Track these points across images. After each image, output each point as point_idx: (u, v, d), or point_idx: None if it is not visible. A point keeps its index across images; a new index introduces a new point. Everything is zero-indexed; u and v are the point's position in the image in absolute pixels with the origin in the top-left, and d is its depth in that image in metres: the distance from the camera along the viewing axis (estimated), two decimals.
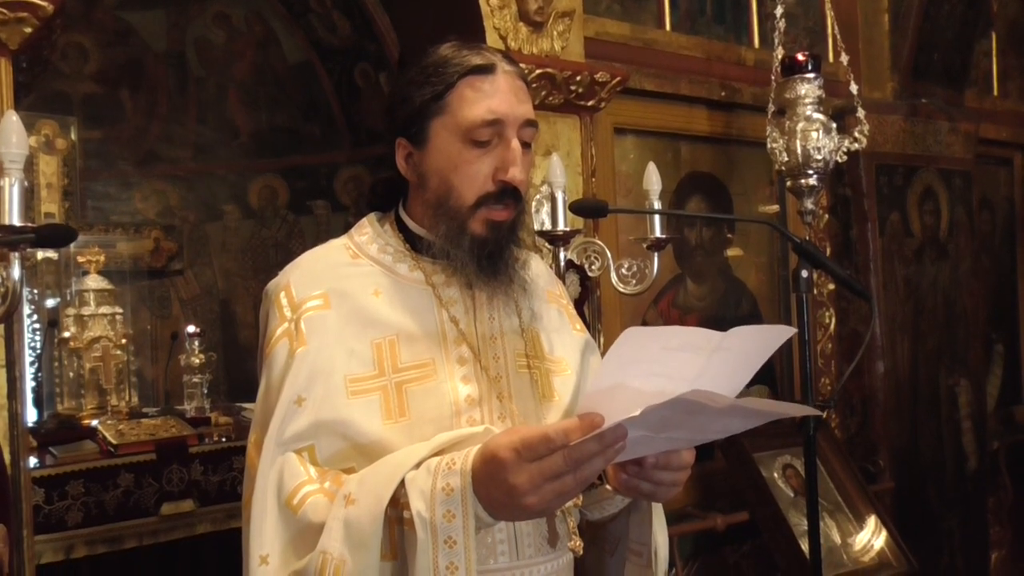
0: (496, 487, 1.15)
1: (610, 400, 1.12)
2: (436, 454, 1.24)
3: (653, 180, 2.48)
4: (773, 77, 3.29)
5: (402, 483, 1.20)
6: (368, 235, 1.48)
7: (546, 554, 1.38)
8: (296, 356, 1.33)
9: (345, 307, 1.37)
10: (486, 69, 1.38)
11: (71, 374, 3.91)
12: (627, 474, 1.28)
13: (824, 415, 1.83)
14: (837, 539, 3.25)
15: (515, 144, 1.38)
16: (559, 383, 1.47)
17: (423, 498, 1.18)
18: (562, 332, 1.54)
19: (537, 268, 1.57)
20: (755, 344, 1.22)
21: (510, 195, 1.38)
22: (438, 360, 1.38)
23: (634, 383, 1.13)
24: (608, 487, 1.39)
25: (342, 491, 1.23)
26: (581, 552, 1.38)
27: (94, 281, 3.92)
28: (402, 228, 1.47)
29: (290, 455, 1.29)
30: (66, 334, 3.86)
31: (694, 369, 1.15)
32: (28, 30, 2.02)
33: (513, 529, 1.35)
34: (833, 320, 3.87)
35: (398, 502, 1.20)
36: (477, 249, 1.38)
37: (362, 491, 1.21)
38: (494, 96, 1.37)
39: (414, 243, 1.45)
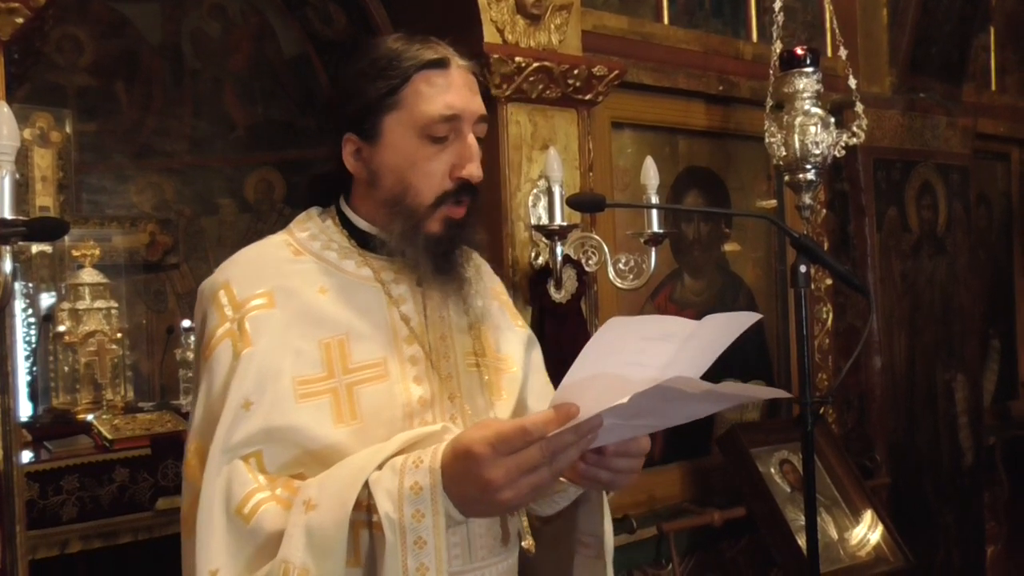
0: (470, 483, 1.12)
1: (584, 390, 1.12)
2: (397, 453, 1.21)
3: (650, 174, 2.47)
4: (771, 71, 3.27)
5: (366, 485, 1.16)
6: (310, 231, 1.43)
7: (498, 554, 1.36)
8: (242, 358, 1.26)
9: (291, 306, 1.32)
10: (441, 63, 1.35)
11: (66, 368, 3.90)
12: (586, 463, 1.25)
13: (809, 405, 1.82)
14: (834, 534, 3.25)
15: (471, 139, 1.35)
16: (507, 381, 1.45)
17: (390, 498, 1.14)
18: (506, 329, 1.52)
19: (481, 265, 1.54)
20: (723, 330, 1.23)
21: (467, 191, 1.36)
22: (390, 360, 1.34)
23: (609, 371, 1.12)
24: (563, 479, 1.36)
25: (300, 497, 1.18)
26: (534, 551, 1.37)
27: (89, 275, 3.91)
28: (346, 224, 1.43)
29: (237, 463, 1.22)
30: (61, 328, 3.85)
31: (664, 357, 1.15)
32: (19, 20, 1.99)
33: (467, 531, 1.32)
34: (830, 315, 3.86)
35: (362, 505, 1.16)
36: (432, 247, 1.35)
37: (323, 495, 1.16)
38: (449, 91, 1.34)
39: (361, 239, 1.41)
